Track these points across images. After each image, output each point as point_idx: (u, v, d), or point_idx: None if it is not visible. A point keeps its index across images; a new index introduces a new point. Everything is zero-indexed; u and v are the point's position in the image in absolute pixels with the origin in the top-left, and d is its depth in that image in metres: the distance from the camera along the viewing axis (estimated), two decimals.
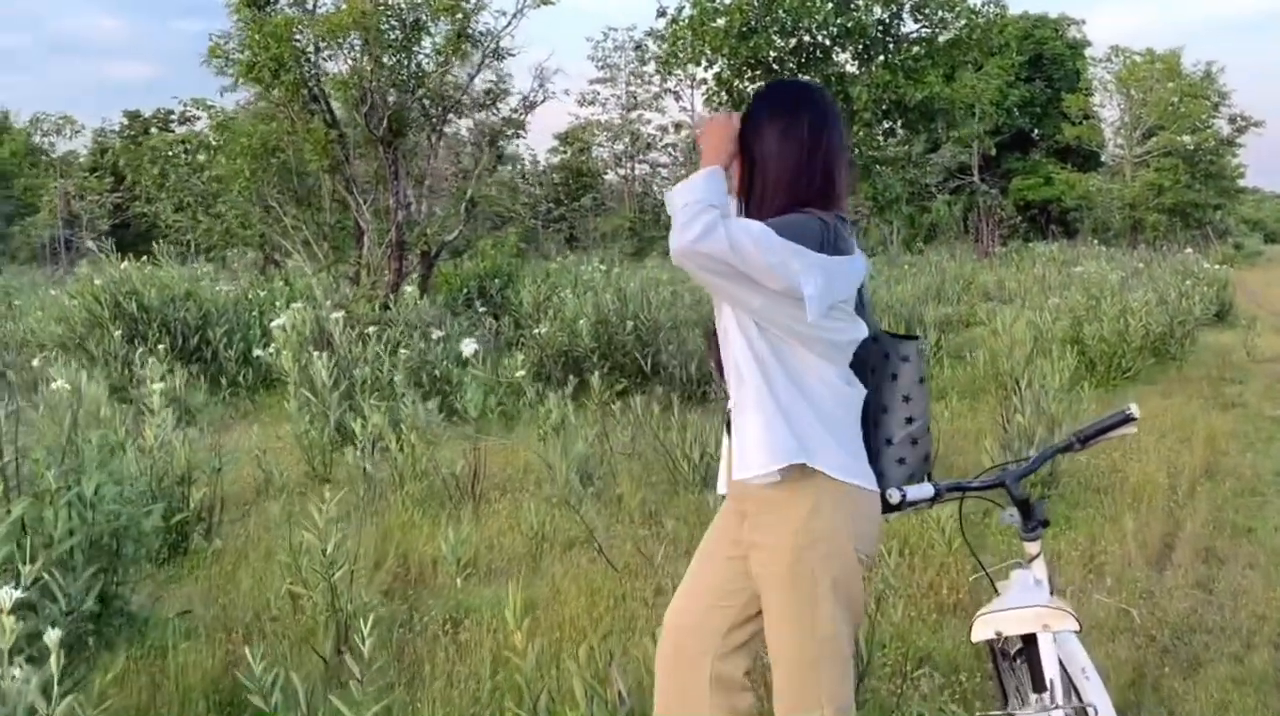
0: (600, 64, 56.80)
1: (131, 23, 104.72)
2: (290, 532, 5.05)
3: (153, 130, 54.08)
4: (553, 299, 12.77)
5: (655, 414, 7.96)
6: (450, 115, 13.91)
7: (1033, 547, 3.08)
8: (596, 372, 10.70)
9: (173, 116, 54.10)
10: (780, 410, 2.70)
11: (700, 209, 2.55)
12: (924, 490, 3.01)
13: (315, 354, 8.66)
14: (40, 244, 51.30)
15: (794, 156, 2.80)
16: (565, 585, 5.47)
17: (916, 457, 2.95)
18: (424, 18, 13.02)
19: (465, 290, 14.71)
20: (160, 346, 10.95)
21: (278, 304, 12.29)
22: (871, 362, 2.94)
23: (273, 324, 9.53)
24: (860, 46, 24.24)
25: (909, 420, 2.94)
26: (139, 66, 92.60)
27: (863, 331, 2.82)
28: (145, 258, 13.65)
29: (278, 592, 5.17)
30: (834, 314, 2.70)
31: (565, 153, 60.07)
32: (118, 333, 11.62)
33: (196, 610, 5.36)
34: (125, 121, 61.22)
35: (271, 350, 9.61)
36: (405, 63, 13.19)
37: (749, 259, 2.55)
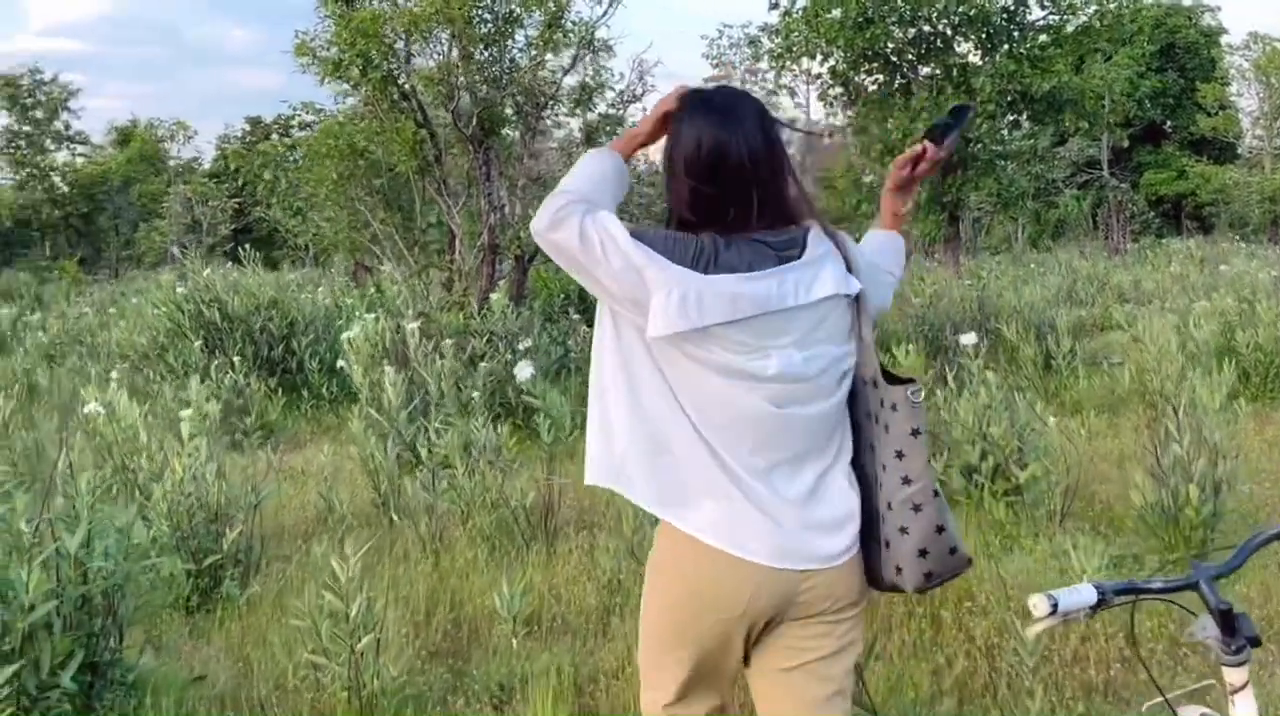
0: (715, 62, 55.78)
1: (260, 32, 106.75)
2: (314, 588, 4.33)
3: (273, 136, 54.57)
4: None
5: None
6: (546, 111, 13.19)
7: (1237, 675, 2.22)
8: None
9: (293, 122, 54.59)
10: (606, 424, 2.46)
11: (564, 198, 2.43)
12: (1082, 594, 2.26)
13: (386, 368, 7.98)
14: (164, 249, 52.04)
15: (667, 175, 2.54)
16: (636, 654, 4.65)
17: (923, 528, 2.42)
18: (517, 9, 12.31)
19: (564, 296, 13.97)
20: (237, 358, 10.41)
21: (358, 312, 11.69)
22: (871, 410, 2.53)
23: (344, 336, 8.91)
24: (983, 35, 23.21)
25: (905, 480, 2.44)
26: (267, 75, 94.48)
27: (773, 366, 2.39)
28: (229, 263, 13.20)
29: (298, 661, 4.44)
30: (715, 336, 2.36)
31: None
32: (198, 343, 11.12)
33: (214, 674, 4.67)
34: (247, 128, 62.00)
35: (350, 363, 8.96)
36: (497, 57, 12.50)
37: (595, 258, 2.37)
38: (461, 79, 12.01)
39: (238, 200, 52.34)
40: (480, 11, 12.03)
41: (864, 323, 2.51)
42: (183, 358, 10.98)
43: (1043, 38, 23.49)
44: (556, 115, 14.19)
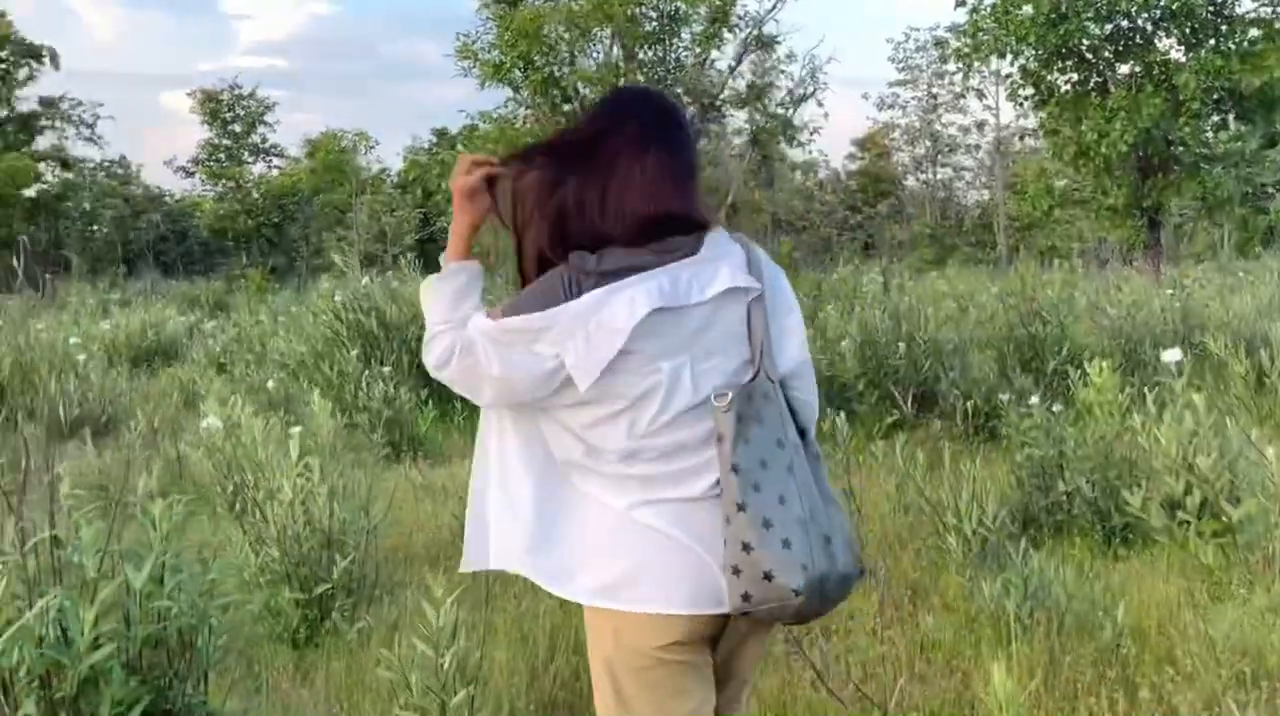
0: (900, 65, 54.53)
1: (451, 47, 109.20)
2: (422, 625, 3.85)
3: (457, 146, 55.23)
4: (816, 316, 11.27)
5: (921, 461, 6.37)
6: (712, 113, 12.62)
7: None
8: (862, 403, 9.24)
9: (476, 133, 55.18)
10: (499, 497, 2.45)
11: (435, 337, 2.36)
12: None
13: None
14: (357, 259, 53.07)
15: (517, 228, 2.44)
16: None
17: (732, 543, 2.27)
18: (682, 5, 11.79)
19: None
20: (389, 368, 10.15)
21: None
22: None
23: None
24: (1187, 30, 21.89)
25: (716, 485, 2.35)
26: (456, 88, 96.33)
27: (663, 383, 2.30)
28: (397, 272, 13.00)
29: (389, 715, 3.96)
30: (633, 354, 2.29)
31: (863, 158, 58.18)
32: (354, 352, 10.89)
33: None
34: (434, 139, 63.01)
35: None
36: (662, 56, 11.99)
37: (496, 370, 2.30)
38: (623, 79, 11.54)
39: (422, 210, 53.33)
40: (643, 9, 11.55)
41: (762, 328, 2.38)
42: (338, 367, 10.76)
43: (1253, 31, 22.05)
44: (723, 116, 13.58)
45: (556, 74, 11.91)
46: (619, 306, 2.24)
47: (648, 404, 2.30)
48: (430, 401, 10.29)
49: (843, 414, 6.40)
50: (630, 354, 2.26)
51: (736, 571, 2.24)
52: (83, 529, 3.71)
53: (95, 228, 58.07)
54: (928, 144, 56.48)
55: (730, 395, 2.29)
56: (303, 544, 5.14)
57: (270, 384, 11.37)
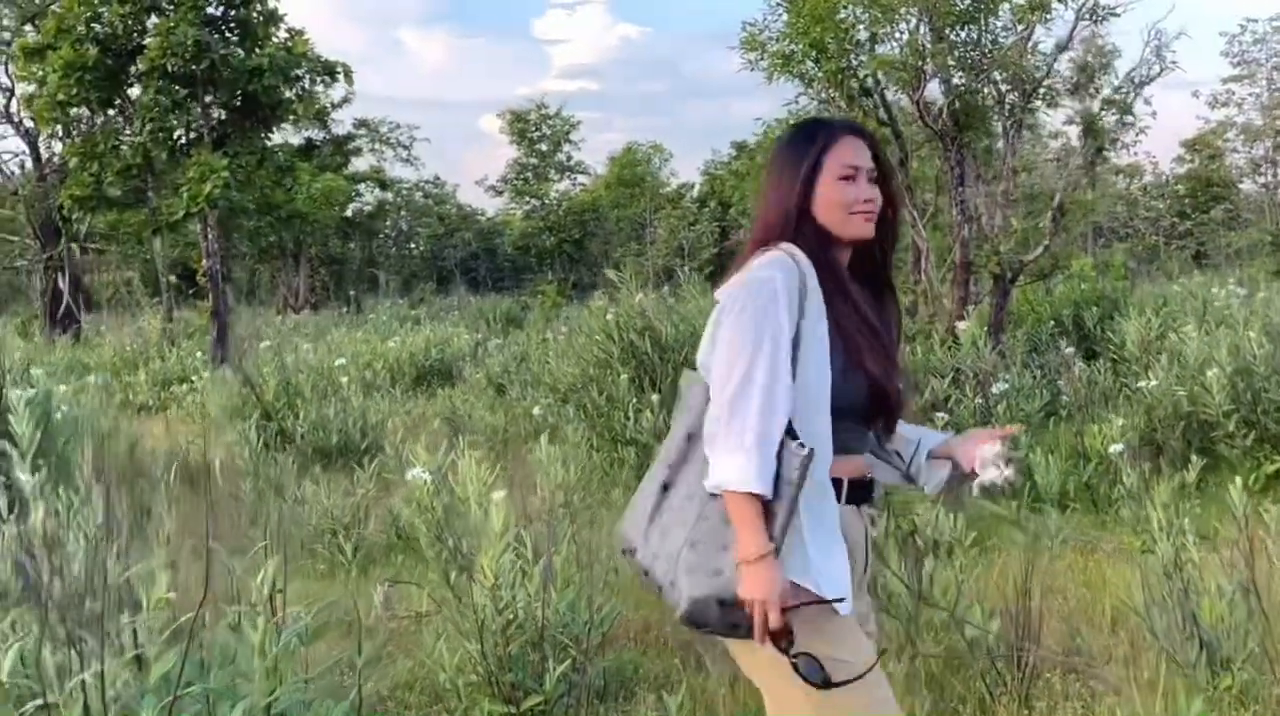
0: (1235, 61, 49.94)
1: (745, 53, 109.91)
2: None
3: (758, 159, 54.17)
4: (1168, 337, 9.38)
5: None
6: (1035, 101, 10.92)
7: None
8: (1233, 447, 7.48)
9: (771, 135, 53.75)
10: None
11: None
12: None
13: None
14: (647, 273, 52.87)
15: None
16: None
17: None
18: None
19: (1054, 322, 11.61)
20: (655, 395, 9.05)
21: None
22: None
23: None
24: None
25: None
26: (759, 103, 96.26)
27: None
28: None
29: None
30: None
31: (1192, 161, 53.74)
32: (624, 375, 9.83)
33: None
34: (733, 153, 62.29)
35: None
36: (977, 37, 10.41)
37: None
38: (930, 65, 10.04)
39: (720, 223, 52.73)
40: None
41: None
42: (606, 392, 9.72)
43: None
44: (1044, 107, 11.76)
45: (853, 62, 10.50)
46: None
47: None
48: None
49: (1236, 475, 4.77)
50: None
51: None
52: (157, 656, 2.65)
53: (412, 245, 60.31)
54: (1268, 144, 51.63)
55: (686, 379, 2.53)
56: (509, 641, 3.99)
57: (536, 410, 10.49)
